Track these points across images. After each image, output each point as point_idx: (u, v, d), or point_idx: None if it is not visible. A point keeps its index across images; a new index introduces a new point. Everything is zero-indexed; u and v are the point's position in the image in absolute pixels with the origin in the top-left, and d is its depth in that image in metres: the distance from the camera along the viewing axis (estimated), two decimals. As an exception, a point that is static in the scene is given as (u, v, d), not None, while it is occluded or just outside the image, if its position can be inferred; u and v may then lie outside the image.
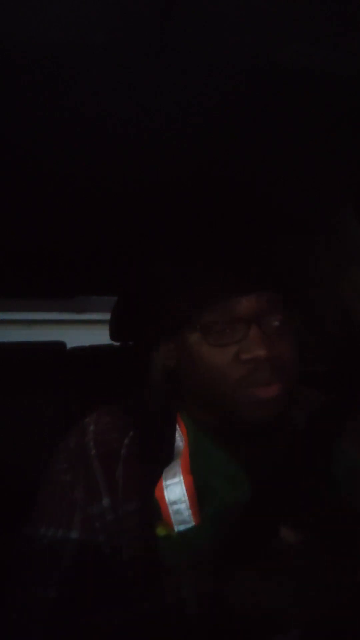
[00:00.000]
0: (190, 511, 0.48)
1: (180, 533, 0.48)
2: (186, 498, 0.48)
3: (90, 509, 0.49)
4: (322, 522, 0.46)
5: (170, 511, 0.48)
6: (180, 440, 0.54)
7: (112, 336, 1.47)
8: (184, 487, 0.49)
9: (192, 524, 0.48)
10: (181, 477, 0.50)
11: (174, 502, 0.49)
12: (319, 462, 0.52)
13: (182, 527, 0.48)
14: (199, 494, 0.49)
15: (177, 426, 0.55)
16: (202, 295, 0.52)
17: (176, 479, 0.50)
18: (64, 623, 0.43)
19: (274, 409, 0.50)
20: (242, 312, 0.51)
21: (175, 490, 0.49)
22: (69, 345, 1.53)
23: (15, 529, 0.51)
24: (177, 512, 0.48)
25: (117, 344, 1.51)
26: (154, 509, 0.49)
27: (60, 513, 0.49)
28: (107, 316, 1.50)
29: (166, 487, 0.49)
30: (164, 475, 0.50)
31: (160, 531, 0.48)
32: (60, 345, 1.51)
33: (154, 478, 0.50)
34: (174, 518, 0.48)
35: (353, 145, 0.57)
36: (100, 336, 1.68)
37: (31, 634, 0.43)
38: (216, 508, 0.49)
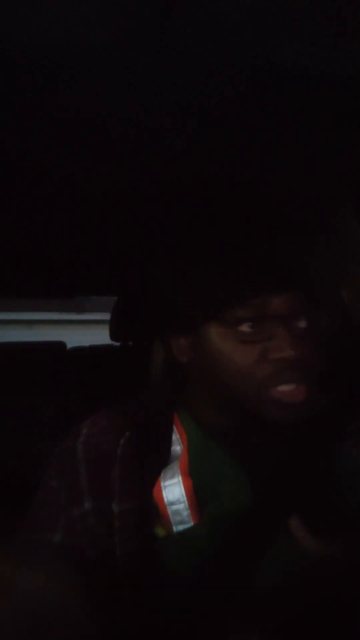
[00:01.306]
0: (189, 511, 0.48)
1: (179, 532, 0.48)
2: (185, 499, 0.48)
3: (72, 512, 0.49)
4: (326, 525, 0.46)
5: (169, 511, 0.48)
6: (177, 442, 0.54)
7: (112, 336, 1.47)
8: (182, 488, 0.49)
9: (191, 523, 0.48)
10: (180, 478, 0.49)
11: (173, 503, 0.48)
12: (321, 465, 0.52)
13: (180, 527, 0.48)
14: (198, 495, 0.49)
15: (174, 427, 0.55)
16: (233, 290, 0.50)
17: (175, 480, 0.49)
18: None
19: (301, 412, 0.48)
20: (272, 310, 0.49)
21: (173, 490, 0.49)
22: (69, 345, 1.54)
23: (15, 529, 0.51)
24: (176, 512, 0.48)
25: (117, 344, 1.51)
26: (153, 508, 0.49)
27: (48, 517, 0.49)
28: (107, 316, 1.51)
29: (164, 488, 0.49)
30: (162, 475, 0.50)
31: (160, 531, 0.48)
32: (60, 345, 1.51)
33: (152, 478, 0.50)
34: (172, 518, 0.48)
35: (353, 145, 0.57)
36: (100, 336, 1.68)
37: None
38: (217, 509, 0.49)
